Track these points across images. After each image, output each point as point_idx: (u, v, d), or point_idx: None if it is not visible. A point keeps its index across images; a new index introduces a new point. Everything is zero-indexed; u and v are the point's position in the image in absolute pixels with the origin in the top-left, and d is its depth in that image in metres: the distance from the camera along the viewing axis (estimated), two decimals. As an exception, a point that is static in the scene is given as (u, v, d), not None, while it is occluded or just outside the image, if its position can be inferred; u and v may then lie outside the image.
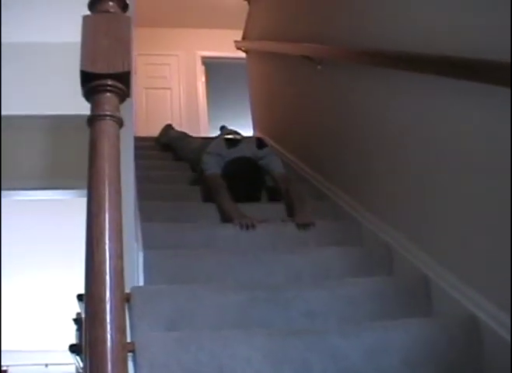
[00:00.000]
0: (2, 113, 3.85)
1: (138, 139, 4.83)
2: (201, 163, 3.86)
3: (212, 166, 3.76)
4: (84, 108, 1.50)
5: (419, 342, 2.11)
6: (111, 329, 1.11)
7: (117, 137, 1.39)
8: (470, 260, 2.31)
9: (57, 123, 4.22)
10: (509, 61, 1.89)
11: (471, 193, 2.28)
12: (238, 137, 4.20)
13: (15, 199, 4.42)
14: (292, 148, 4.85)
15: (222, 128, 5.02)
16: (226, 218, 3.34)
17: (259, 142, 4.07)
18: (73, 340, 4.78)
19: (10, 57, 4.52)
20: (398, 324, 2.21)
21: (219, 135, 4.53)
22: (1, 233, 5.49)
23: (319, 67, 3.98)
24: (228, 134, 4.34)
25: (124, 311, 1.18)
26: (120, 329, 1.12)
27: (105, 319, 1.12)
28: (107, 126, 1.37)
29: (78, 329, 4.66)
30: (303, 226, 3.25)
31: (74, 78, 1.51)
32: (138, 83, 8.32)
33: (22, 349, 8.23)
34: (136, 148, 2.92)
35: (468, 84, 2.19)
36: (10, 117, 3.98)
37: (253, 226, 3.18)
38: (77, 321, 4.70)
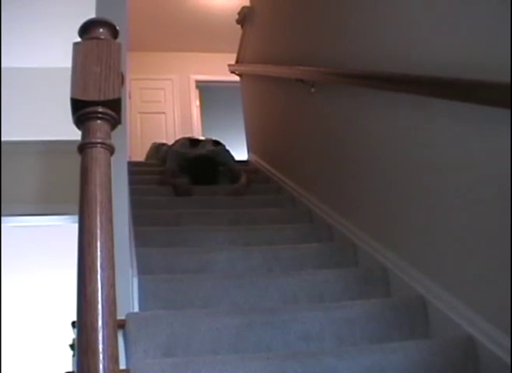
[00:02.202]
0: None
1: (132, 164, 4.86)
2: (168, 156, 5.24)
3: (171, 164, 5.06)
4: (78, 133, 1.49)
5: (416, 364, 2.09)
6: (104, 358, 1.10)
7: (109, 165, 1.38)
8: (467, 281, 2.30)
9: (50, 149, 4.22)
10: (508, 81, 1.89)
11: (469, 213, 2.28)
12: (200, 138, 5.62)
13: (8, 225, 4.40)
14: (286, 170, 4.85)
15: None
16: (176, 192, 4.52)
17: (214, 142, 5.37)
18: (69, 367, 4.74)
19: (3, 83, 4.53)
20: (396, 346, 2.20)
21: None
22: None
23: (312, 89, 3.99)
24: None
25: (116, 339, 1.17)
26: (112, 358, 1.11)
27: (97, 348, 1.10)
28: (98, 153, 1.37)
29: (75, 355, 4.63)
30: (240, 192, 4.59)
31: (67, 104, 1.51)
32: (132, 108, 8.34)
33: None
34: (131, 173, 2.92)
35: (465, 105, 2.19)
36: (2, 143, 3.98)
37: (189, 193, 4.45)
38: (73, 347, 4.67)
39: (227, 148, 5.35)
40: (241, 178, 4.90)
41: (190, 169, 4.94)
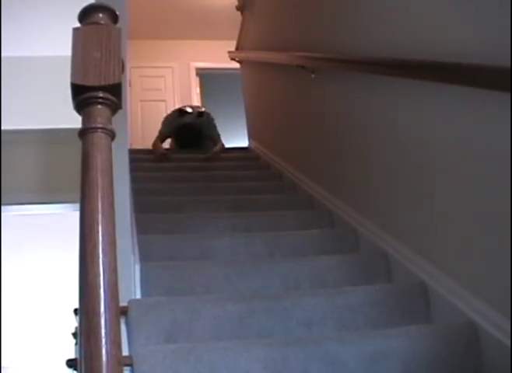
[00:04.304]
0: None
1: (133, 151, 4.86)
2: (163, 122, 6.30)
3: (163, 129, 6.19)
4: (79, 122, 1.49)
5: (418, 349, 2.10)
6: (106, 343, 1.09)
7: (110, 150, 1.38)
8: (469, 266, 2.30)
9: (51, 137, 4.22)
10: (508, 65, 1.88)
11: (471, 199, 2.27)
12: (188, 109, 6.24)
13: (9, 214, 4.39)
14: (287, 157, 4.84)
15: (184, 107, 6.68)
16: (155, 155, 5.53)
17: (198, 112, 6.19)
18: (72, 355, 4.75)
19: (2, 72, 4.51)
20: (398, 331, 2.20)
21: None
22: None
23: (313, 75, 3.98)
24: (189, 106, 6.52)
25: (119, 325, 1.16)
26: (115, 343, 1.11)
27: (100, 333, 1.10)
28: (99, 138, 1.36)
29: (77, 343, 4.64)
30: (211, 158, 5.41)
31: (68, 92, 1.50)
32: (132, 96, 8.33)
33: (18, 365, 8.18)
34: (132, 160, 2.92)
35: (467, 90, 2.18)
36: (2, 132, 3.97)
37: (166, 157, 5.46)
38: (76, 335, 4.68)
39: (211, 117, 6.29)
40: (217, 146, 5.86)
41: (176, 134, 6.16)
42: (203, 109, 6.42)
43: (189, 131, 6.10)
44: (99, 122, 1.39)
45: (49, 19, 5.05)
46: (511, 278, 1.97)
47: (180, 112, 6.24)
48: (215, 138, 6.08)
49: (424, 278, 2.57)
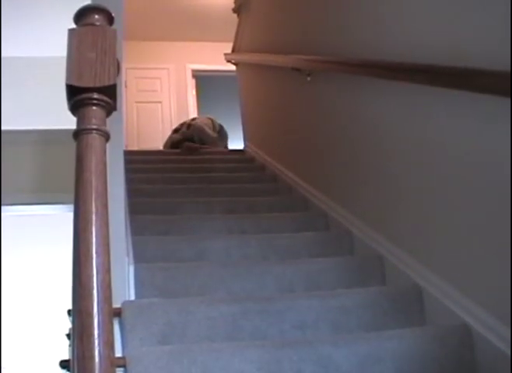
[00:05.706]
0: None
1: (129, 153, 4.85)
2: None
3: (166, 143, 6.99)
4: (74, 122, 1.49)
5: (412, 352, 2.10)
6: (99, 344, 1.09)
7: (104, 151, 1.38)
8: (463, 269, 2.31)
9: (46, 138, 4.21)
10: (508, 69, 1.88)
11: (467, 202, 2.28)
12: (179, 126, 7.06)
13: (4, 215, 4.38)
14: (282, 159, 4.84)
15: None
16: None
17: (187, 126, 6.94)
18: (66, 356, 4.74)
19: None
20: (391, 333, 2.20)
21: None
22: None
23: (308, 78, 3.98)
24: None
25: (112, 325, 1.16)
26: (108, 344, 1.11)
27: (93, 334, 1.10)
28: (94, 139, 1.36)
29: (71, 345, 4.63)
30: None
31: (63, 92, 1.50)
32: (128, 97, 8.33)
33: (11, 366, 8.15)
34: (127, 162, 2.92)
35: (465, 93, 2.18)
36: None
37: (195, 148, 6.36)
38: (69, 336, 4.67)
39: (198, 125, 6.98)
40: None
41: (175, 147, 6.71)
42: (193, 122, 7.12)
43: (181, 143, 6.69)
44: (94, 123, 1.39)
45: (44, 20, 5.05)
46: (511, 282, 1.97)
47: (175, 130, 7.11)
48: (201, 140, 6.75)
49: (418, 281, 2.57)
